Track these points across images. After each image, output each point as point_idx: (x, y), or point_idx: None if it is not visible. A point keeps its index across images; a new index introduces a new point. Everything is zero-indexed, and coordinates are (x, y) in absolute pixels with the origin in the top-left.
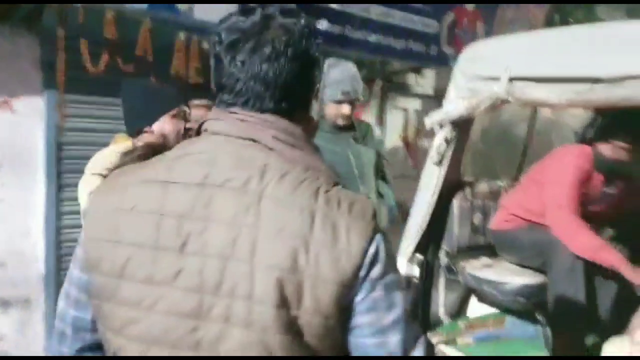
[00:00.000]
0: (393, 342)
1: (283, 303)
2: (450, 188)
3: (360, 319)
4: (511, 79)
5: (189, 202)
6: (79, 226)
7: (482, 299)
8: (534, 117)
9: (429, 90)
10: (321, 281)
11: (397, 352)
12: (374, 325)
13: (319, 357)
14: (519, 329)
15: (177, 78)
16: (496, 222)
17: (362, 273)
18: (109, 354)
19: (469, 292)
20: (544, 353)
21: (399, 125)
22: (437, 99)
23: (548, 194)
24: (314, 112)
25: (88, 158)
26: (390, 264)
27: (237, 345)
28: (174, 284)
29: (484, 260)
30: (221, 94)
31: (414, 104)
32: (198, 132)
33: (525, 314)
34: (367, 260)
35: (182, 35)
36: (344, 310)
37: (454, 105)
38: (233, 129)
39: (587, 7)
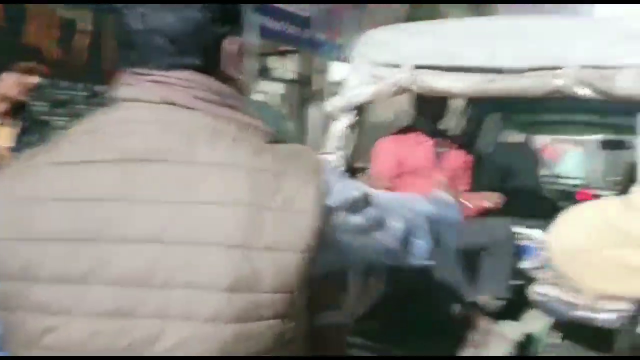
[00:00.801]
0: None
1: (237, 285)
2: (348, 173)
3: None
4: (414, 68)
5: (108, 182)
6: None
7: None
8: None
9: (291, 75)
10: (279, 251)
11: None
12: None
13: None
14: None
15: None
16: None
17: (323, 229)
18: None
19: None
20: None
21: None
22: (299, 83)
23: None
24: (243, 69)
25: None
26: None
27: (176, 342)
28: (95, 280)
29: None
30: (124, 53)
31: (276, 88)
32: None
33: None
34: (325, 215)
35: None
36: (309, 281)
37: (358, 91)
38: (147, 93)
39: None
